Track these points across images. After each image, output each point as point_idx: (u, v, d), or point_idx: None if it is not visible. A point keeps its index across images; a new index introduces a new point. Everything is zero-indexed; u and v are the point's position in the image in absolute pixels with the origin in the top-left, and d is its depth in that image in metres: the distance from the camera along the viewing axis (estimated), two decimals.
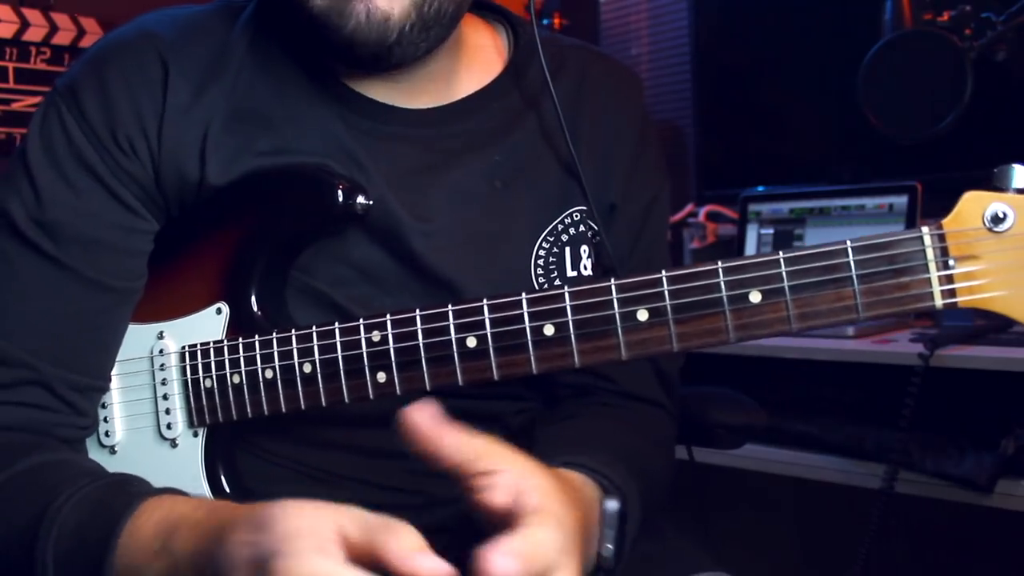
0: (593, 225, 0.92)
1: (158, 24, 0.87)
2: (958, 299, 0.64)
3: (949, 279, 0.64)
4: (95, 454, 0.87)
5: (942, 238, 0.65)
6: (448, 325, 0.74)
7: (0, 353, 0.81)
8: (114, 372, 0.87)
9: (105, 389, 0.86)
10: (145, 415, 0.86)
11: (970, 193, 0.64)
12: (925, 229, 0.65)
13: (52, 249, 0.82)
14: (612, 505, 0.72)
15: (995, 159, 0.68)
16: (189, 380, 0.84)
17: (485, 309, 0.73)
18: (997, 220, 0.62)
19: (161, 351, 0.85)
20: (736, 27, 2.20)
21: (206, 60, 0.86)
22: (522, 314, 0.73)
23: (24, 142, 0.85)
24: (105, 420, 0.87)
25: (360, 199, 0.82)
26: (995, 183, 0.64)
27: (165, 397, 0.85)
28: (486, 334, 0.73)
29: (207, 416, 0.83)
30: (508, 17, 0.98)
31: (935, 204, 1.74)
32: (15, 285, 0.82)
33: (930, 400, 1.45)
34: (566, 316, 0.71)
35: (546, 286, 0.90)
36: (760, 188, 2.01)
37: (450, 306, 0.74)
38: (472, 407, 0.88)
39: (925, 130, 1.45)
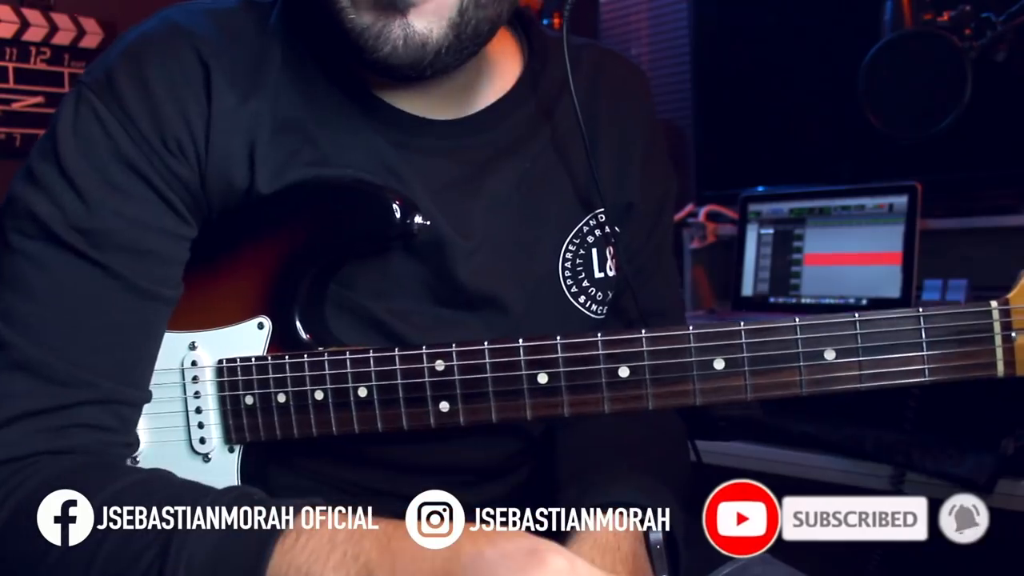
0: (612, 230, 0.93)
1: (190, 21, 0.82)
2: (1017, 370, 0.69)
3: (1011, 351, 0.69)
4: None
5: (1007, 313, 0.69)
6: (519, 360, 0.74)
7: (53, 371, 0.75)
8: None
9: (148, 401, 0.82)
10: (175, 428, 0.83)
11: None
12: (994, 303, 0.69)
13: (100, 257, 0.76)
14: (656, 537, 0.76)
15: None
16: (228, 396, 0.81)
17: (559, 348, 0.74)
18: None
19: (194, 363, 0.82)
20: (736, 27, 2.20)
21: (245, 65, 0.82)
22: (597, 355, 0.74)
23: (51, 142, 0.78)
24: None
25: (417, 218, 0.81)
26: None
27: (198, 411, 0.82)
28: (559, 372, 0.74)
29: (247, 434, 0.81)
30: (519, 17, 0.97)
31: (935, 204, 1.74)
32: (58, 296, 0.76)
33: (930, 400, 1.45)
34: (643, 360, 0.73)
35: (574, 289, 0.91)
36: (760, 188, 2.01)
37: (521, 341, 0.75)
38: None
39: (925, 130, 1.45)
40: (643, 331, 0.73)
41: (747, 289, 1.99)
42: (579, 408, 0.74)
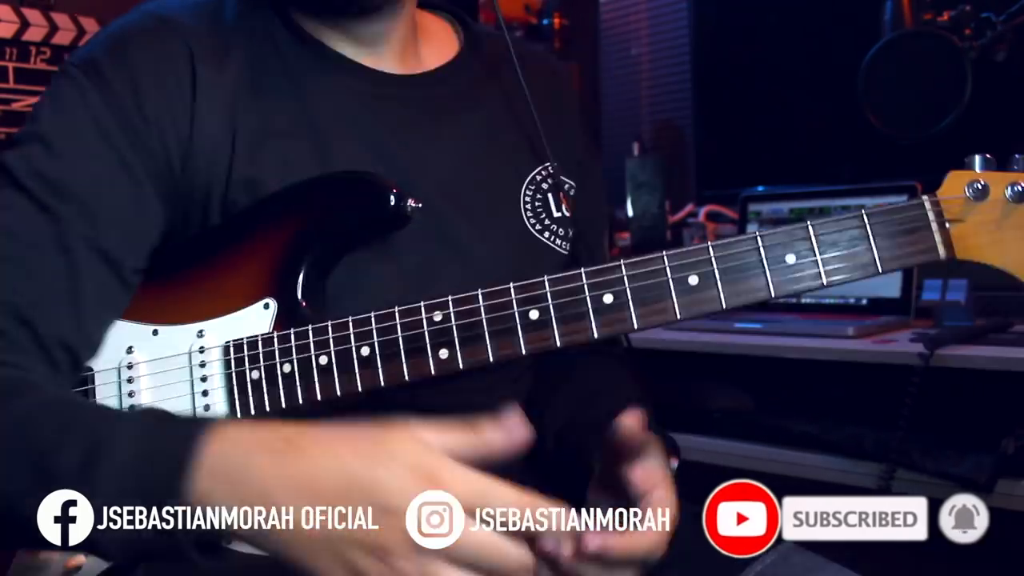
0: (564, 179, 1.01)
1: (170, 11, 0.88)
2: (956, 252, 0.79)
3: (947, 236, 0.79)
4: None
5: (937, 204, 0.79)
6: (511, 300, 0.80)
7: None
8: (145, 372, 0.85)
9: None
10: (181, 413, 0.84)
11: (953, 172, 0.81)
12: (924, 198, 0.79)
13: (52, 202, 0.80)
14: (674, 464, 0.87)
15: (995, 159, 0.80)
16: (234, 373, 0.83)
17: (546, 284, 0.80)
18: (977, 192, 0.79)
19: (201, 348, 0.84)
20: (736, 27, 2.20)
21: (219, 46, 0.87)
22: (582, 285, 0.80)
23: (33, 111, 0.84)
24: None
25: (411, 202, 0.85)
26: (967, 168, 0.81)
27: (205, 394, 0.84)
28: (548, 306, 0.80)
29: (252, 409, 0.83)
30: (455, 13, 1.06)
31: None
32: (7, 235, 0.80)
33: (930, 400, 1.45)
34: (623, 285, 0.79)
35: (538, 226, 0.99)
36: (760, 188, 2.01)
37: (512, 284, 0.80)
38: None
39: (925, 130, 1.45)
40: (621, 261, 0.80)
41: None
42: (570, 337, 0.80)
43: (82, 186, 0.81)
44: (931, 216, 0.79)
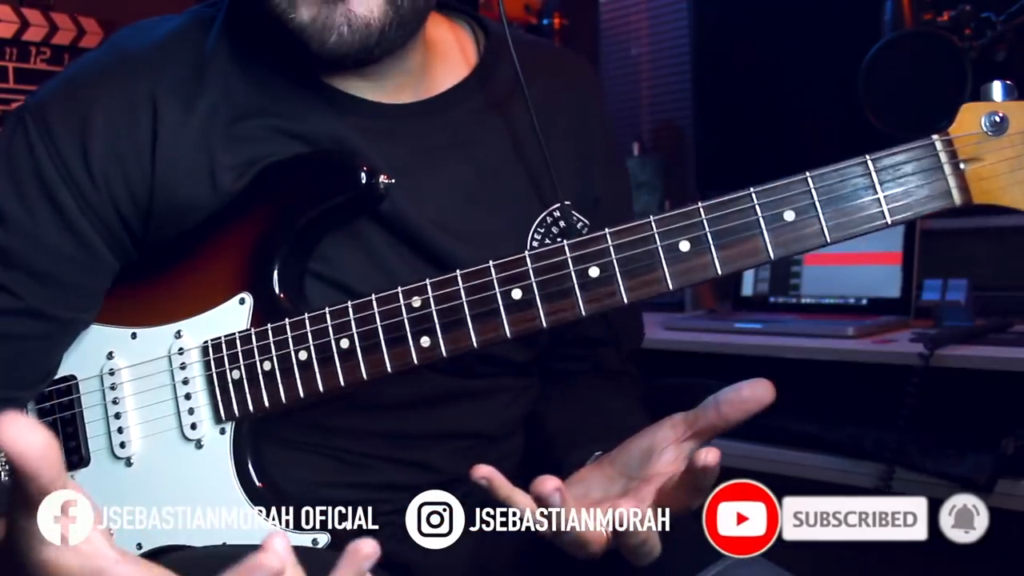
0: (581, 217, 0.94)
1: (137, 45, 0.86)
2: (973, 196, 0.70)
3: (962, 179, 0.71)
4: (108, 467, 0.84)
5: (950, 143, 0.71)
6: (491, 280, 0.75)
7: None
8: (128, 379, 0.84)
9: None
10: (165, 418, 0.84)
11: (967, 104, 0.72)
12: (935, 136, 0.71)
13: (1, 274, 0.82)
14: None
15: (1015, 86, 0.74)
16: (215, 374, 0.82)
17: (528, 260, 0.75)
18: (995, 125, 0.70)
19: (180, 350, 0.83)
20: (736, 27, 2.20)
21: (190, 78, 0.85)
22: (566, 260, 0.75)
23: None
24: (120, 431, 0.84)
25: (382, 178, 0.82)
26: (983, 99, 0.73)
27: (188, 396, 0.83)
28: (531, 283, 0.75)
29: (236, 409, 0.82)
30: (474, 15, 1.00)
31: None
32: None
33: (930, 400, 1.45)
34: (610, 256, 0.74)
35: None
36: None
37: (491, 262, 0.76)
38: (473, 386, 0.92)
39: (925, 130, 1.45)
40: (606, 230, 0.75)
41: (747, 289, 1.99)
42: (556, 316, 0.75)
43: (29, 256, 0.82)
44: (944, 157, 0.71)
